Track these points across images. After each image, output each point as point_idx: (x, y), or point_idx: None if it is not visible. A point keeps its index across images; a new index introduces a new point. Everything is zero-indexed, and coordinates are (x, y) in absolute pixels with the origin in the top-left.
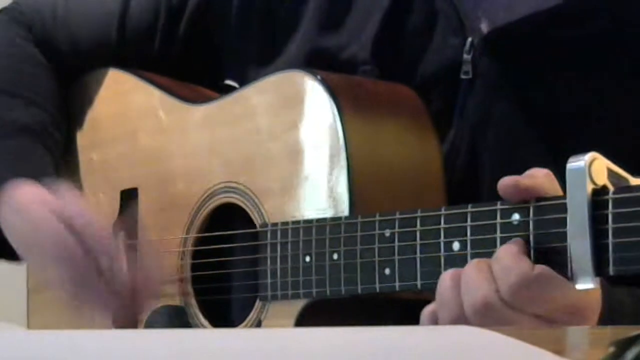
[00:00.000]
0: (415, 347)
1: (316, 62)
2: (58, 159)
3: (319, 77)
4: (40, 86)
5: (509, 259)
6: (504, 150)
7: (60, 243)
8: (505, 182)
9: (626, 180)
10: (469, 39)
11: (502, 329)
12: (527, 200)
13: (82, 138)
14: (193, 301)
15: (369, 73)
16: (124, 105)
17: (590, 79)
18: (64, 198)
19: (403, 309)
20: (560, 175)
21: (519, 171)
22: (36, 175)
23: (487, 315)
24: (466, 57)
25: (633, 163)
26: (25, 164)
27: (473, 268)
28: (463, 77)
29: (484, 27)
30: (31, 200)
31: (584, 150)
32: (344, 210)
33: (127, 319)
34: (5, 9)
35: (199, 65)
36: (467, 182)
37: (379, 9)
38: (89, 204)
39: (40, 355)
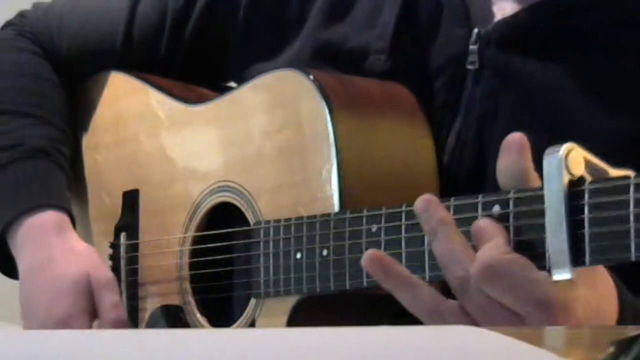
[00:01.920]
0: (415, 347)
1: (321, 55)
2: (70, 176)
3: (310, 76)
4: (50, 103)
5: (486, 244)
6: None
7: (76, 307)
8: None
9: (605, 171)
10: (475, 30)
11: (502, 328)
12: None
13: (86, 140)
14: (191, 299)
15: (381, 63)
16: (126, 107)
17: (599, 69)
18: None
19: (396, 304)
20: None
21: None
22: (53, 199)
23: (464, 295)
24: (472, 47)
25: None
26: (41, 188)
27: (459, 244)
28: (469, 67)
29: (492, 17)
30: (42, 229)
31: (591, 142)
32: (335, 208)
33: None
34: (11, 23)
35: (203, 67)
36: (474, 173)
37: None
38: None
39: (40, 355)
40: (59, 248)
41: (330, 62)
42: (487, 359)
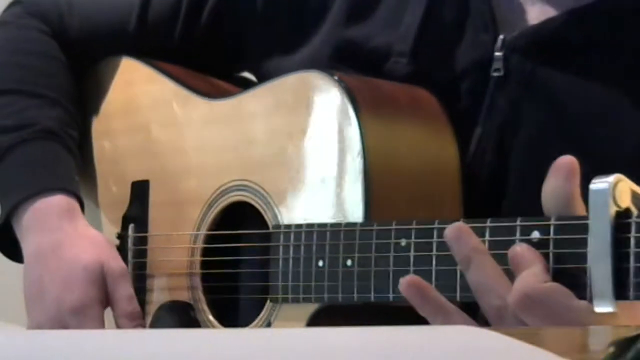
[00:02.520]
0: (416, 347)
1: (342, 54)
2: (78, 159)
3: (336, 77)
4: (59, 84)
5: (524, 271)
6: (533, 151)
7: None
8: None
9: None
10: (501, 36)
11: (502, 329)
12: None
13: (96, 126)
14: (201, 298)
15: (401, 66)
16: (138, 95)
17: (627, 80)
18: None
19: (417, 316)
20: (589, 180)
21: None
22: (62, 182)
23: (501, 323)
24: (497, 54)
25: None
26: (50, 171)
27: (494, 272)
28: (494, 74)
29: (519, 23)
30: (51, 213)
31: (615, 154)
32: (359, 215)
33: None
34: (19, 1)
35: (216, 56)
36: (493, 181)
37: (417, 0)
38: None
39: (40, 355)
40: (69, 233)
41: (351, 62)
42: (487, 359)
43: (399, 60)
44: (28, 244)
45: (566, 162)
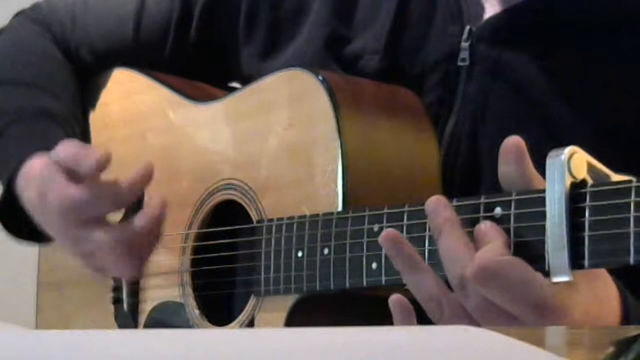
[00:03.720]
0: (415, 347)
1: (323, 53)
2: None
3: (320, 76)
4: (62, 84)
5: (485, 246)
6: (503, 135)
7: (60, 191)
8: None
9: (607, 175)
10: (467, 27)
11: (502, 329)
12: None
13: (95, 137)
14: (191, 294)
15: (374, 63)
16: (135, 104)
17: (589, 62)
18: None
19: None
20: None
21: None
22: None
23: (462, 293)
24: (464, 44)
25: (631, 152)
26: (47, 147)
27: (462, 243)
28: (460, 64)
29: (484, 14)
30: (39, 167)
31: (582, 137)
32: (338, 207)
33: (131, 268)
34: (23, 12)
35: (206, 70)
36: (469, 167)
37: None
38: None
39: (40, 355)
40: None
41: (331, 61)
42: (486, 359)
43: (372, 58)
44: (30, 195)
45: (513, 144)
